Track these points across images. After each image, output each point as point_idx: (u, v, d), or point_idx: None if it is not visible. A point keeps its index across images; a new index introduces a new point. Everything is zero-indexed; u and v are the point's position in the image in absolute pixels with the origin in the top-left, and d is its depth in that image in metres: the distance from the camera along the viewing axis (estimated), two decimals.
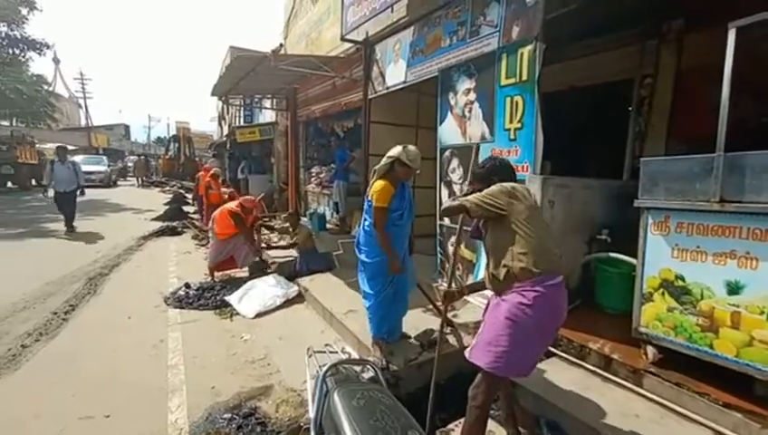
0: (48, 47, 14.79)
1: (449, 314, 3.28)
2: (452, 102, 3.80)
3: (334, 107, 6.67)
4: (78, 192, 7.81)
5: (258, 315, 3.95)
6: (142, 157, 25.36)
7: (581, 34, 4.01)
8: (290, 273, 4.89)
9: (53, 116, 39.76)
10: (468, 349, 1.86)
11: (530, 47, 3.07)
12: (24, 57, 14.68)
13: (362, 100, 5.70)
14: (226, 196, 9.53)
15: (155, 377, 2.83)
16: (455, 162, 3.84)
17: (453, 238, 3.87)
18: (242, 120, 15.83)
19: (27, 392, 2.63)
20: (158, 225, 9.03)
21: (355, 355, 2.82)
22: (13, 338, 3.35)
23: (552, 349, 2.88)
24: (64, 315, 3.80)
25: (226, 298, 4.21)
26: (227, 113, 22.14)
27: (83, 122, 38.97)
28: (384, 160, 2.91)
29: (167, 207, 11.88)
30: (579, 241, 3.43)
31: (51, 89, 40.30)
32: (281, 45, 6.07)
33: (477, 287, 2.21)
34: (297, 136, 8.64)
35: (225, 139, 14.30)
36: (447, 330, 3.12)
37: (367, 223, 2.97)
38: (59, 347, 3.24)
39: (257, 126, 10.30)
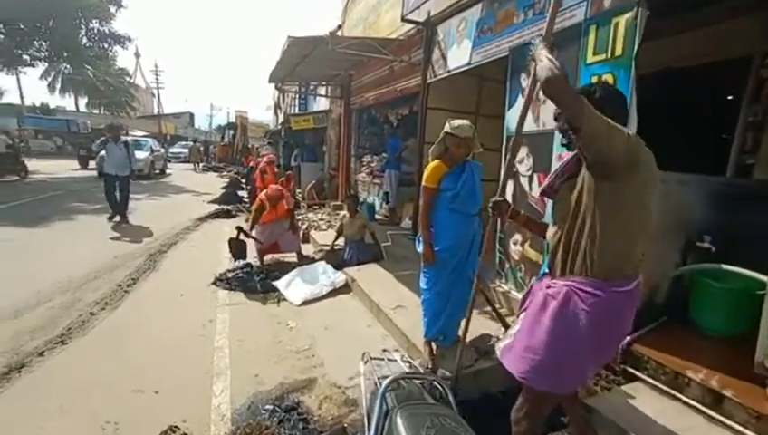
0: (130, 40, 16.12)
1: (507, 318, 2.93)
2: (524, 84, 3.39)
3: (389, 93, 6.43)
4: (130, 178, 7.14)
5: (305, 303, 3.86)
6: (196, 143, 27.02)
7: (685, 3, 3.39)
8: (338, 262, 4.77)
9: (132, 105, 43.93)
10: (501, 346, 1.54)
11: (628, 15, 2.60)
12: (111, 51, 15.96)
13: (419, 85, 5.39)
14: (281, 181, 9.84)
15: (202, 358, 2.81)
16: (523, 151, 3.44)
17: (517, 236, 3.50)
18: (296, 108, 16.15)
19: (92, 358, 2.73)
20: (213, 207, 9.44)
21: (415, 364, 2.57)
22: (84, 305, 3.55)
23: (636, 371, 2.46)
24: (127, 287, 3.97)
25: (274, 283, 4.17)
26: (283, 102, 22.83)
27: (155, 110, 42.47)
28: (438, 143, 2.65)
29: (223, 190, 12.49)
30: (671, 248, 2.91)
31: (132, 80, 44.51)
32: (339, 27, 5.93)
33: (534, 228, 1.87)
34: (350, 124, 8.53)
35: (280, 127, 14.64)
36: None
37: None
38: (121, 317, 3.37)
39: (311, 114, 10.38)
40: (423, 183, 2.57)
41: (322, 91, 10.12)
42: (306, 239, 6.05)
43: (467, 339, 2.85)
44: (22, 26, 13.68)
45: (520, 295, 3.36)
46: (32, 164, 18.18)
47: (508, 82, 3.59)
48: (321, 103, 11.56)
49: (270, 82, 7.97)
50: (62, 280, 4.08)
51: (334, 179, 9.92)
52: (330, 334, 3.28)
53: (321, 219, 7.44)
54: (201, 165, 23.22)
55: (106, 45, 15.56)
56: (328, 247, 5.60)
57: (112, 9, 15.88)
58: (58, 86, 39.47)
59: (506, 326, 2.86)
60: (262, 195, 4.84)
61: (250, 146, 28.88)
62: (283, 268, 4.79)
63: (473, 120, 5.64)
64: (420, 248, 2.69)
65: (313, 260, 5.34)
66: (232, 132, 27.66)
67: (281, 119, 23.91)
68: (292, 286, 4.08)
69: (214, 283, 4.23)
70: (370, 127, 8.66)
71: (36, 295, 3.68)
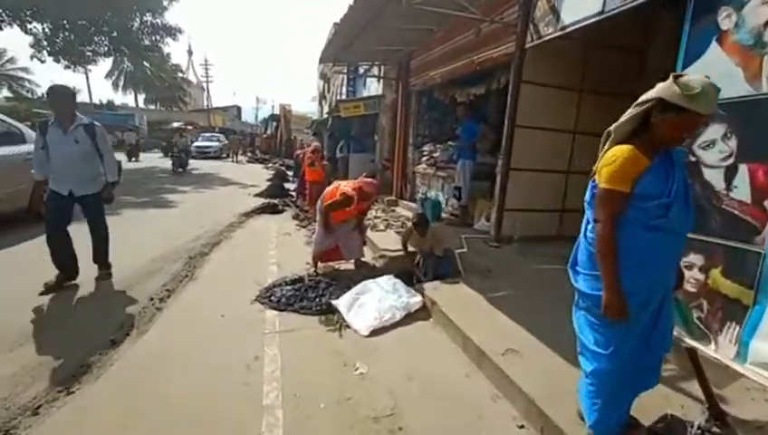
0: (181, 32, 16.16)
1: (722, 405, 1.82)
2: (727, 25, 2.19)
3: (463, 68, 5.34)
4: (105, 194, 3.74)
5: (373, 332, 2.96)
6: (237, 136, 27.46)
7: None
8: (408, 277, 3.83)
9: (185, 99, 45.91)
10: None
11: None
12: (163, 42, 16.07)
13: (508, 54, 4.28)
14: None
15: (248, 422, 1.99)
16: (716, 130, 2.25)
17: (694, 256, 2.34)
18: (344, 95, 15.40)
19: (105, 413, 1.98)
20: (259, 201, 8.88)
21: None
22: (104, 329, 2.86)
23: None
24: (159, 303, 3.28)
25: (334, 303, 3.31)
26: (328, 92, 22.30)
27: (205, 104, 43.98)
28: (629, 112, 1.58)
29: (269, 183, 12.02)
30: None
31: (185, 76, 46.48)
32: None
33: None
34: (408, 108, 7.52)
35: (327, 116, 13.96)
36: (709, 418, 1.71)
37: (590, 227, 1.67)
38: (145, 351, 2.62)
39: (362, 99, 9.50)
40: (604, 184, 1.51)
41: (375, 71, 9.18)
42: (363, 241, 5.18)
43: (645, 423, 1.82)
44: (81, 22, 13.97)
45: (703, 348, 2.22)
46: None
47: (686, 26, 2.40)
48: (372, 89, 10.64)
49: (321, 62, 7.22)
50: (86, 295, 3.48)
51: (387, 171, 8.99)
52: (416, 388, 2.34)
53: (376, 217, 6.55)
54: (244, 157, 23.48)
55: (158, 37, 15.58)
56: (390, 253, 4.70)
57: (165, 2, 15.92)
58: (121, 84, 42.14)
59: (717, 411, 1.77)
60: (350, 186, 3.95)
61: (293, 137, 28.91)
62: (340, 279, 3.94)
63: (575, 97, 4.43)
64: (583, 285, 1.66)
65: (374, 268, 4.47)
66: (275, 124, 27.67)
67: (325, 109, 23.44)
68: (357, 309, 3.19)
69: (259, 299, 3.44)
70: (431, 112, 7.59)
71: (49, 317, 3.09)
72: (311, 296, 3.42)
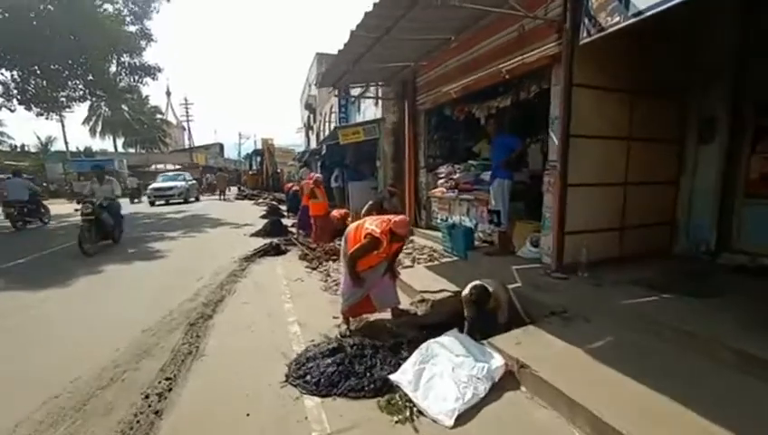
0: (160, 71, 15.57)
1: None
2: None
3: (486, 79, 4.81)
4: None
5: (458, 419, 2.17)
6: (223, 173, 26.70)
7: None
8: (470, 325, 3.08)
9: (165, 141, 45.15)
10: None
11: None
12: (141, 83, 15.48)
13: (548, 57, 3.76)
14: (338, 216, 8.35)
15: None
16: None
17: None
18: (334, 123, 14.93)
19: None
20: (257, 241, 8.06)
21: None
22: None
23: None
24: (158, 403, 2.42)
25: (393, 379, 2.52)
26: (314, 121, 21.92)
27: (186, 143, 43.29)
28: None
29: (263, 220, 11.21)
30: None
31: (164, 117, 45.97)
32: None
33: None
34: (416, 129, 6.97)
35: (319, 146, 13.39)
36: None
37: None
38: None
39: (361, 125, 8.94)
40: None
41: (371, 96, 8.69)
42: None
43: None
44: (54, 66, 13.28)
45: None
46: (72, 206, 17.98)
47: None
48: (369, 114, 10.15)
49: (321, 86, 6.65)
50: (60, 387, 2.61)
51: (394, 198, 8.32)
52: None
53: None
54: (228, 194, 22.60)
55: (136, 78, 14.96)
56: (432, 295, 3.96)
57: (143, 43, 15.45)
58: (98, 129, 41.20)
59: None
60: (376, 225, 3.22)
61: (279, 171, 28.30)
62: (382, 335, 3.19)
63: (628, 99, 3.90)
64: None
65: (416, 317, 3.72)
66: (259, 159, 27.14)
67: (313, 139, 23.03)
68: (426, 385, 2.41)
69: (291, 381, 2.62)
70: (441, 131, 7.05)
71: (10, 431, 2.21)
72: (358, 371, 2.61)
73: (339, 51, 4.72)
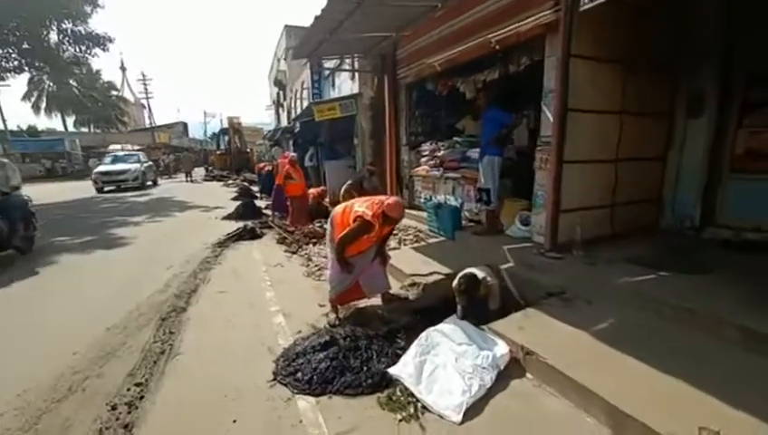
0: (111, 41, 14.14)
1: None
2: None
3: (474, 51, 4.54)
4: None
5: (465, 414, 2.03)
6: (188, 153, 25.20)
7: None
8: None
9: (122, 119, 42.01)
10: None
11: None
12: (89, 54, 14.01)
13: (542, 26, 3.55)
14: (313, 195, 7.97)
15: None
16: None
17: None
18: (307, 99, 14.23)
19: None
20: (230, 225, 7.62)
21: None
22: None
23: None
24: (127, 415, 2.12)
25: (392, 372, 2.34)
26: (284, 99, 20.91)
27: (147, 123, 40.56)
28: None
29: (234, 202, 10.65)
30: None
31: (120, 94, 42.59)
32: None
33: None
34: (397, 104, 6.64)
35: (292, 123, 12.75)
36: None
37: None
38: None
39: (337, 100, 8.48)
40: None
41: (347, 68, 8.23)
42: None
43: None
44: None
45: None
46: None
47: None
48: (345, 89, 9.66)
49: (294, 57, 6.13)
50: (4, 403, 2.26)
51: (373, 176, 8.05)
52: None
53: None
54: (197, 174, 21.13)
55: (83, 48, 13.52)
56: (423, 278, 3.80)
57: (87, 9, 13.91)
58: (43, 106, 37.60)
59: None
60: (366, 207, 2.96)
61: (249, 150, 27.07)
62: (373, 322, 3.00)
63: (621, 71, 3.77)
64: None
65: (408, 301, 3.55)
66: (227, 138, 25.80)
67: (283, 118, 22.03)
68: (429, 378, 2.24)
69: (281, 380, 2.39)
70: (422, 107, 6.76)
71: None
72: (353, 365, 2.41)
73: (316, 17, 4.29)
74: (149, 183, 17.27)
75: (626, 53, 3.69)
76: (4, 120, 26.97)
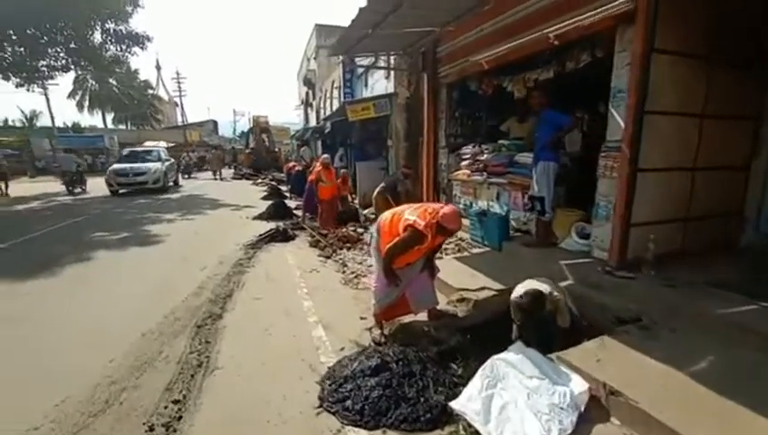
0: (149, 39, 14.51)
1: None
2: None
3: (528, 47, 4.19)
4: None
5: None
6: (218, 151, 25.43)
7: None
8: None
9: (157, 117, 43.60)
10: None
11: None
12: (129, 52, 14.46)
13: (613, 18, 3.18)
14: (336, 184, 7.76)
15: None
16: None
17: None
18: (339, 98, 14.15)
19: None
20: (261, 225, 7.55)
21: None
22: None
23: None
24: None
25: (455, 408, 2.06)
26: (314, 98, 20.97)
27: (179, 120, 41.87)
28: None
29: (264, 202, 10.65)
30: None
31: (154, 92, 44.23)
32: None
33: None
34: (437, 104, 6.35)
35: (323, 123, 12.67)
36: None
37: None
38: None
39: (371, 100, 8.28)
40: None
41: (382, 66, 8.02)
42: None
43: None
44: (31, 31, 12.24)
45: None
46: (58, 184, 17.21)
47: None
48: (378, 88, 9.45)
49: (333, 53, 5.98)
50: (41, 415, 2.13)
51: (407, 180, 7.78)
52: None
53: None
54: (226, 173, 20.99)
55: (123, 47, 13.95)
56: (473, 293, 3.50)
57: (129, 8, 14.34)
58: (86, 104, 39.55)
59: None
60: (418, 215, 2.69)
61: (277, 150, 27.35)
62: (420, 341, 2.73)
63: (704, 69, 3.34)
64: None
65: (455, 318, 3.26)
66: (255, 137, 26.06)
67: (312, 117, 22.11)
68: (498, 417, 1.96)
69: (327, 407, 2.16)
70: (462, 108, 6.45)
71: None
72: (409, 394, 2.15)
73: (361, 9, 4.06)
74: (171, 184, 15.17)
75: (710, 47, 3.26)
76: (52, 118, 28.58)
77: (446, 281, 3.74)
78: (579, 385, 2.10)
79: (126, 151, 15.57)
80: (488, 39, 4.80)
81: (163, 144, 27.31)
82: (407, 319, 3.19)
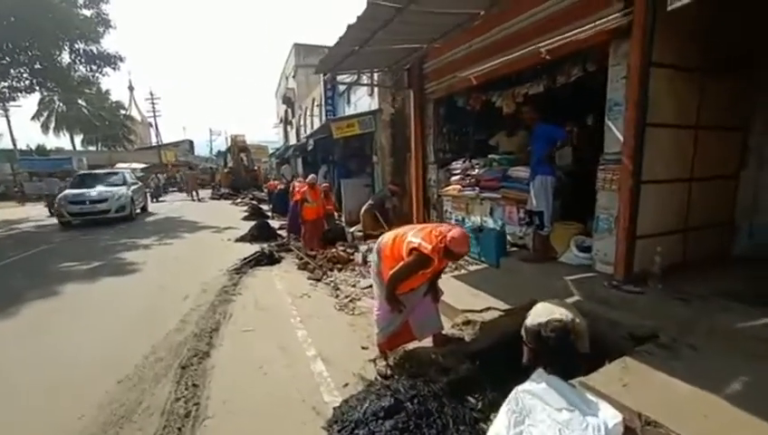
0: (122, 60, 14.06)
1: None
2: None
3: (519, 62, 4.19)
4: None
5: None
6: (193, 171, 24.73)
7: None
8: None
9: (129, 138, 42.28)
10: None
11: None
12: (100, 73, 13.97)
13: (607, 33, 3.20)
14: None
15: None
16: None
17: None
18: (316, 117, 14.06)
19: None
20: (244, 247, 7.22)
21: None
22: None
23: None
24: None
25: None
26: (293, 116, 20.81)
27: (154, 141, 40.72)
28: None
29: (246, 222, 10.28)
30: None
31: (127, 113, 43.02)
32: None
33: None
34: (424, 120, 6.30)
35: (305, 140, 12.49)
36: None
37: None
38: None
39: (356, 117, 8.18)
40: None
41: (365, 83, 7.98)
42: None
43: None
44: None
45: None
46: (24, 210, 16.19)
47: None
48: (361, 105, 9.40)
49: (318, 71, 5.84)
50: None
51: (394, 197, 7.68)
52: None
53: None
54: (193, 194, 19.80)
55: (94, 67, 13.44)
56: (479, 314, 3.34)
57: (100, 29, 13.91)
58: (52, 125, 37.90)
59: None
60: (423, 237, 2.52)
61: (256, 168, 26.86)
62: (426, 369, 2.54)
63: (697, 80, 3.39)
64: None
65: (462, 343, 3.08)
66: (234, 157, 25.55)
67: (291, 136, 21.90)
68: None
69: None
70: (449, 123, 6.42)
71: None
72: None
73: (349, 26, 3.97)
74: (138, 211, 12.75)
75: (704, 58, 3.31)
76: (13, 140, 27.20)
77: (448, 302, 3.56)
78: (611, 416, 1.94)
79: (81, 173, 13.33)
80: (477, 54, 4.79)
81: (136, 165, 26.32)
82: (410, 346, 2.99)
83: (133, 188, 12.35)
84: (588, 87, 4.13)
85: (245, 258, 6.09)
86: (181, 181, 24.70)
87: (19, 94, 13.72)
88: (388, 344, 2.87)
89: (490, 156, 5.31)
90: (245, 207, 13.88)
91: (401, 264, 2.57)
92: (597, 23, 3.28)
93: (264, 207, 13.41)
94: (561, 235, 4.19)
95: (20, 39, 11.32)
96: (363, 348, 3.10)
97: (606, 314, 2.93)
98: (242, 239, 7.98)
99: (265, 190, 16.56)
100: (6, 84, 12.97)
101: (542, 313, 2.55)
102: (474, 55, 4.86)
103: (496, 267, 4.41)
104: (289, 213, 8.64)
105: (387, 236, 2.89)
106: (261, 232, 8.20)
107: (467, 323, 3.31)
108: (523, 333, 2.64)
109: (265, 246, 7.04)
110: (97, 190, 10.94)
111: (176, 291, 4.70)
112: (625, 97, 3.11)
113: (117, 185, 11.70)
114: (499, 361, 2.72)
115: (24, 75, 12.90)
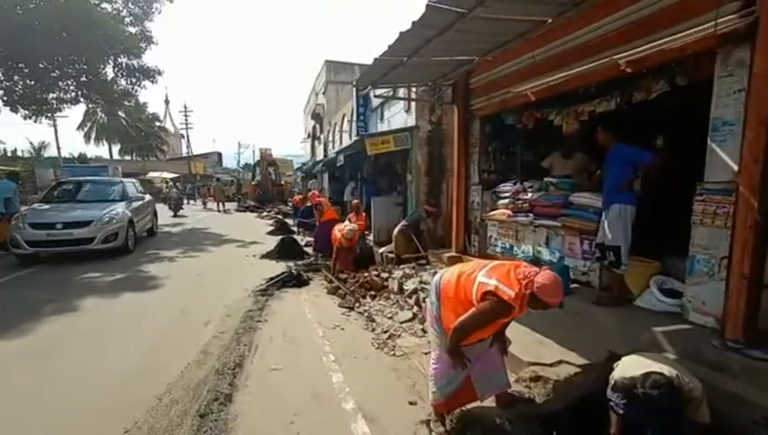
0: (160, 74, 14.47)
1: None
2: None
3: (592, 75, 3.69)
4: None
5: None
6: (220, 183, 25.08)
7: None
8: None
9: (162, 148, 43.94)
10: None
11: None
12: (140, 86, 14.42)
13: (716, 37, 2.68)
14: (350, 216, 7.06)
15: None
16: None
17: None
18: (345, 133, 13.88)
19: None
20: (270, 264, 6.90)
21: None
22: None
23: None
24: None
25: None
26: (321, 132, 20.87)
27: (184, 152, 42.10)
28: None
29: (271, 237, 10.03)
30: None
31: (162, 125, 44.91)
32: None
33: None
34: (468, 138, 5.84)
35: (335, 155, 12.28)
36: None
37: None
38: None
39: (392, 133, 7.82)
40: None
41: (402, 97, 7.66)
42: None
43: None
44: (43, 65, 12.12)
45: None
46: None
47: None
48: (396, 122, 9.07)
49: (358, 85, 5.54)
50: None
51: (429, 218, 7.21)
52: None
53: None
54: (220, 204, 20.51)
55: (134, 80, 13.83)
56: (548, 368, 2.78)
57: (143, 45, 14.41)
58: (93, 135, 39.92)
59: None
60: (505, 284, 2.01)
61: (283, 182, 27.04)
62: None
63: None
64: None
65: (531, 404, 2.52)
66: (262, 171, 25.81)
67: (319, 151, 21.95)
68: None
69: None
70: (495, 142, 5.94)
71: None
72: None
73: (401, 33, 3.60)
74: (144, 234, 9.70)
75: None
76: (59, 148, 28.65)
77: (512, 351, 3.00)
78: None
79: (61, 180, 10.00)
80: (536, 68, 4.33)
81: (167, 175, 26.98)
82: (469, 405, 2.45)
83: (136, 205, 8.82)
84: (662, 103, 3.60)
85: (271, 278, 5.71)
86: (207, 193, 25.18)
87: (65, 105, 14.25)
88: (447, 406, 2.34)
89: (546, 179, 4.77)
90: (271, 221, 13.72)
91: (473, 311, 2.07)
92: (702, 26, 2.77)
93: (290, 221, 13.21)
94: (637, 273, 3.58)
95: (69, 53, 11.76)
96: (411, 404, 2.59)
97: (724, 384, 2.31)
98: (267, 256, 7.66)
99: (290, 204, 16.48)
100: (54, 96, 13.48)
101: (636, 365, 2.00)
102: (532, 69, 4.40)
103: (560, 307, 3.81)
104: (316, 229, 8.32)
105: (449, 274, 2.40)
106: (287, 249, 7.86)
107: (536, 379, 2.74)
108: (609, 392, 2.08)
109: (292, 264, 6.68)
110: (76, 212, 7.38)
111: (197, 314, 4.34)
112: (741, 115, 2.57)
113: (109, 201, 8.16)
114: (577, 428, 2.20)
115: (71, 87, 13.39)
